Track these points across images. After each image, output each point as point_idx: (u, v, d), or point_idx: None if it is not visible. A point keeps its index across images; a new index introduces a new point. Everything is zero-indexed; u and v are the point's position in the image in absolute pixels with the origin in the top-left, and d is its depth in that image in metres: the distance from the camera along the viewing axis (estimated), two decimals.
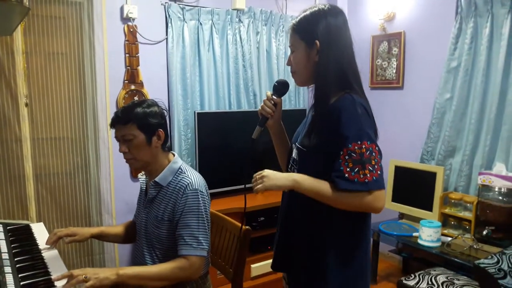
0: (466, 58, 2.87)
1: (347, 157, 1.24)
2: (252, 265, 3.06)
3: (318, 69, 1.34)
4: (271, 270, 3.17)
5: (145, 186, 1.78)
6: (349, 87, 1.32)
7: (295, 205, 1.41)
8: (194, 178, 1.64)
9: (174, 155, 1.74)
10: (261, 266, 3.10)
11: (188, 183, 1.61)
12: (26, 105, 2.54)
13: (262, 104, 1.50)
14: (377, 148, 1.27)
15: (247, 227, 1.79)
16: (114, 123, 1.62)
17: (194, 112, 3.04)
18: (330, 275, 1.34)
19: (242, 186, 3.20)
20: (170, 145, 1.72)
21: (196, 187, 1.61)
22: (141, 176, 1.81)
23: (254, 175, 1.35)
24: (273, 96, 1.50)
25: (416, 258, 3.18)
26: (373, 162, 1.24)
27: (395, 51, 3.42)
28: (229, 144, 3.20)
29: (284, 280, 1.62)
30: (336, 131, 1.25)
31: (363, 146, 1.23)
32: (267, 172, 1.33)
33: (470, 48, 2.85)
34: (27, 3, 1.06)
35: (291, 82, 1.51)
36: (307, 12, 1.37)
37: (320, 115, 1.34)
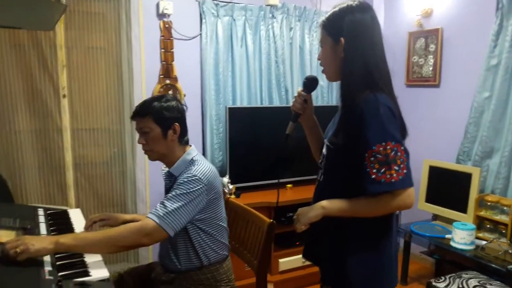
0: (506, 55, 2.75)
1: (372, 158, 1.24)
2: (280, 260, 3.08)
3: (343, 66, 1.34)
4: (298, 265, 3.20)
5: (164, 176, 1.84)
6: (374, 85, 1.30)
7: (323, 198, 1.39)
8: (201, 167, 1.64)
9: (191, 146, 1.76)
10: (289, 261, 3.11)
11: (190, 170, 1.63)
12: (64, 96, 2.68)
13: (293, 100, 1.54)
14: (402, 147, 1.26)
15: (271, 220, 1.81)
16: (134, 116, 1.69)
17: (226, 107, 3.09)
18: (352, 268, 1.36)
19: (271, 181, 3.23)
20: (188, 138, 1.75)
21: (196, 174, 1.60)
22: (164, 169, 1.85)
23: (293, 217, 1.41)
24: (303, 92, 1.53)
25: (449, 261, 3.09)
26: (398, 162, 1.24)
27: (432, 48, 3.33)
28: (260, 139, 3.23)
29: None
30: (360, 133, 1.26)
31: (388, 147, 1.24)
32: (299, 210, 1.39)
33: (511, 45, 2.74)
34: (64, 1, 1.12)
35: (323, 78, 1.53)
36: (336, 8, 1.37)
37: (344, 113, 1.35)
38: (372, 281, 1.39)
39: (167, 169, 1.81)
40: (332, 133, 1.41)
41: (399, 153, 1.25)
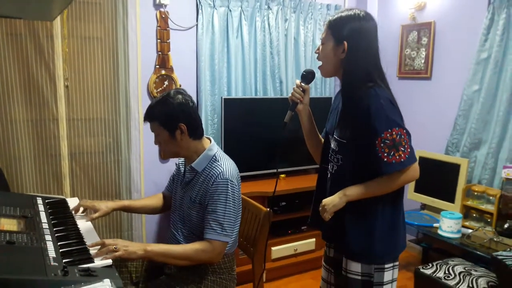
0: (497, 49, 2.82)
1: (382, 145, 1.46)
2: (273, 248, 3.15)
3: (345, 67, 1.54)
4: (290, 253, 3.26)
5: (183, 167, 1.89)
6: (373, 82, 1.51)
7: (341, 186, 1.56)
8: (226, 167, 1.73)
9: (210, 141, 1.82)
10: (281, 249, 3.19)
11: (220, 172, 1.70)
12: (67, 87, 2.69)
13: (292, 91, 1.68)
14: (404, 130, 1.49)
15: (268, 209, 1.87)
16: (144, 120, 1.78)
17: (221, 98, 3.12)
18: (379, 240, 1.55)
19: (266, 171, 3.30)
20: (202, 130, 1.80)
21: (227, 176, 1.69)
22: (181, 159, 1.92)
23: (319, 209, 1.59)
24: (302, 84, 1.68)
25: (436, 249, 3.20)
26: (403, 143, 1.47)
27: (424, 41, 3.38)
28: (254, 130, 3.27)
29: (327, 245, 1.81)
30: (368, 125, 1.47)
31: (393, 133, 1.46)
32: (324, 201, 1.57)
33: (502, 39, 2.80)
34: None
35: (318, 71, 1.65)
36: (344, 13, 1.55)
37: (349, 109, 1.55)
38: (393, 245, 1.60)
39: (182, 159, 1.88)
40: (339, 129, 1.60)
41: (402, 136, 1.47)
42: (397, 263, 1.64)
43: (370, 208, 1.55)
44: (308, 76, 1.69)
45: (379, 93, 1.47)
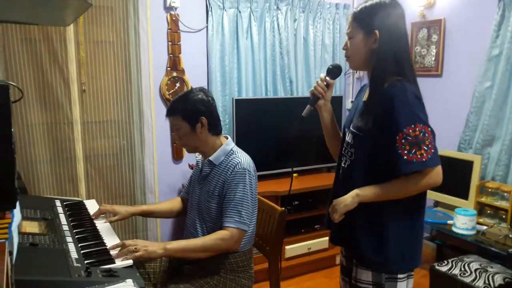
0: (508, 46, 2.81)
1: (403, 140, 1.34)
2: (287, 247, 3.17)
3: (377, 56, 1.44)
4: (304, 252, 3.27)
5: (201, 164, 1.94)
6: (401, 74, 1.41)
7: (352, 183, 1.48)
8: (244, 158, 1.79)
9: (227, 138, 1.89)
10: (295, 248, 3.20)
11: (238, 162, 1.76)
12: (84, 91, 2.75)
13: (316, 84, 1.61)
14: (429, 129, 1.36)
15: (283, 208, 1.89)
16: (166, 115, 1.85)
17: (232, 99, 3.14)
18: (392, 248, 1.44)
19: (278, 171, 3.31)
20: (221, 128, 1.88)
21: (245, 166, 1.76)
22: (198, 155, 1.98)
23: (329, 210, 1.51)
24: (327, 78, 1.61)
25: (450, 246, 3.18)
26: (427, 142, 1.34)
27: (434, 38, 3.37)
28: (265, 129, 3.28)
29: (341, 254, 1.74)
30: (390, 117, 1.35)
31: (417, 129, 1.34)
32: (335, 201, 1.48)
33: None
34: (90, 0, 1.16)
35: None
36: (368, 3, 1.47)
37: (374, 100, 1.44)
38: (409, 255, 1.48)
39: (200, 155, 1.94)
40: (357, 119, 1.50)
41: (426, 134, 1.35)
42: (412, 273, 1.52)
43: (383, 211, 1.44)
44: (334, 71, 1.62)
45: (406, 86, 1.37)
